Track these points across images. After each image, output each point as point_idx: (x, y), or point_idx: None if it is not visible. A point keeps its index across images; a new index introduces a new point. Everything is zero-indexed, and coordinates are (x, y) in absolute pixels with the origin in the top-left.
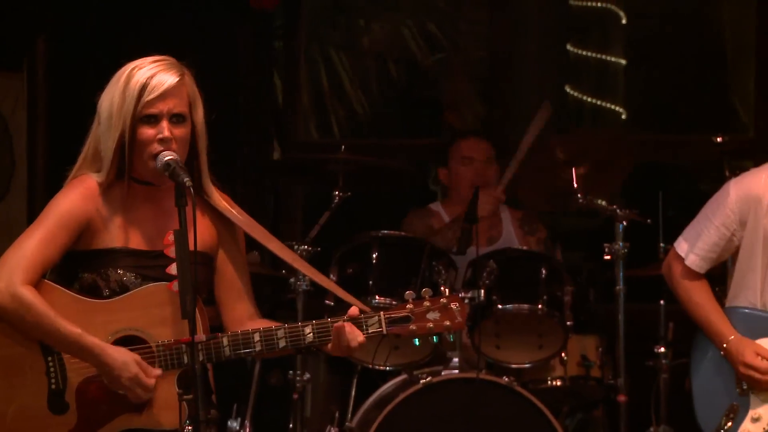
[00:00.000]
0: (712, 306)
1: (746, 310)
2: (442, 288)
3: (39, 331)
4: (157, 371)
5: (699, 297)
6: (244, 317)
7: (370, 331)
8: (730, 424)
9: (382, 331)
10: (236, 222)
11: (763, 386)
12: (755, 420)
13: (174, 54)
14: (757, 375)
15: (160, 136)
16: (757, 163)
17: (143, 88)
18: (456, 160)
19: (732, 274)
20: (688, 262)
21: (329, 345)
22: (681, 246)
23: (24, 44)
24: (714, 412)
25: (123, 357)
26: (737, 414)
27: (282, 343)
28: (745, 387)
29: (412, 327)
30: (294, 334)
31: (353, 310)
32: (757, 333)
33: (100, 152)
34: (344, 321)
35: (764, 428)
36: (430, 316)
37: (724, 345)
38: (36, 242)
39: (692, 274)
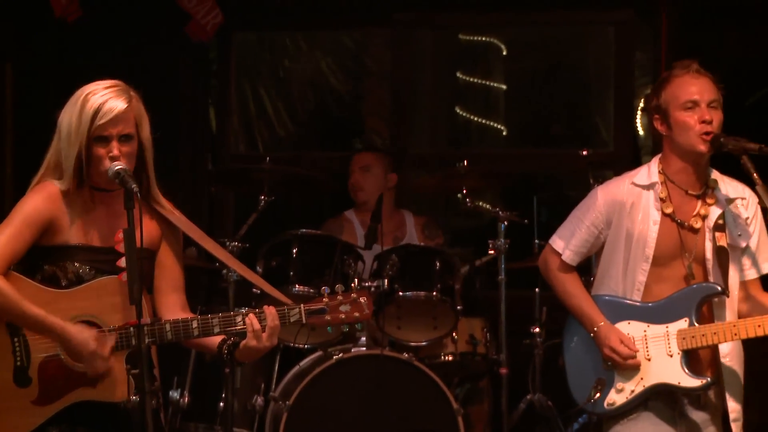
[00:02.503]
0: (584, 295)
1: (608, 297)
2: (353, 284)
3: (8, 312)
4: (111, 342)
5: (572, 287)
6: (177, 306)
7: (291, 320)
8: (598, 395)
9: (302, 320)
10: (177, 224)
11: (623, 365)
12: (619, 391)
13: (123, 79)
14: (618, 359)
15: (111, 154)
16: (617, 172)
17: (96, 112)
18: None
19: (597, 266)
20: (564, 257)
21: (241, 346)
22: (557, 243)
23: None
24: (584, 385)
25: (82, 334)
26: (604, 386)
27: (216, 329)
28: (609, 363)
29: (327, 317)
30: (226, 321)
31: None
32: (618, 317)
33: (60, 162)
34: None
35: (627, 397)
36: (342, 308)
37: (595, 329)
38: (5, 239)
39: (566, 267)
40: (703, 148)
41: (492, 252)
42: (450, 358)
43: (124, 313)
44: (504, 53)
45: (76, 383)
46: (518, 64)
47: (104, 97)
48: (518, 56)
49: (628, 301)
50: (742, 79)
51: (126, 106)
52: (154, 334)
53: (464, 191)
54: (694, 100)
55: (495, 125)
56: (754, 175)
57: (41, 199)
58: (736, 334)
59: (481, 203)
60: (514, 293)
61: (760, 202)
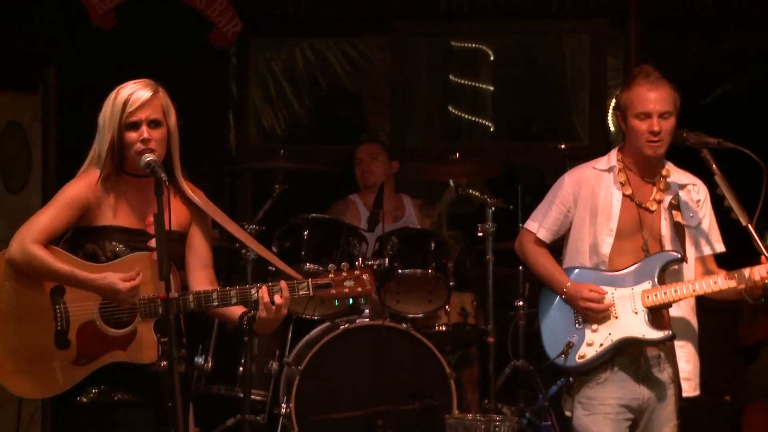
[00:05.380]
0: (553, 264)
1: (577, 269)
2: (357, 262)
3: (44, 274)
4: (137, 273)
5: (543, 259)
6: (206, 281)
7: (301, 293)
8: (570, 349)
9: (309, 293)
10: (202, 207)
11: (598, 315)
12: (589, 345)
13: (153, 79)
14: (593, 305)
15: (141, 137)
16: None
17: (126, 102)
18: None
19: (567, 244)
20: (539, 235)
21: (258, 318)
22: (531, 225)
23: (38, 71)
24: (557, 343)
25: (108, 279)
26: (575, 340)
27: (234, 300)
28: (580, 321)
29: (333, 291)
30: (243, 293)
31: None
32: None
33: (99, 153)
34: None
35: (596, 351)
36: (347, 283)
37: (564, 289)
38: (46, 216)
39: (539, 243)
40: (649, 152)
41: (481, 234)
42: (443, 328)
43: (154, 285)
44: (491, 58)
45: (109, 346)
46: (504, 67)
47: (133, 89)
48: (504, 61)
49: (596, 271)
50: (702, 80)
51: (152, 94)
52: (179, 305)
53: (456, 180)
54: (647, 111)
55: (483, 122)
56: (713, 166)
57: (82, 184)
58: (694, 290)
59: (471, 191)
60: (500, 271)
61: (719, 190)
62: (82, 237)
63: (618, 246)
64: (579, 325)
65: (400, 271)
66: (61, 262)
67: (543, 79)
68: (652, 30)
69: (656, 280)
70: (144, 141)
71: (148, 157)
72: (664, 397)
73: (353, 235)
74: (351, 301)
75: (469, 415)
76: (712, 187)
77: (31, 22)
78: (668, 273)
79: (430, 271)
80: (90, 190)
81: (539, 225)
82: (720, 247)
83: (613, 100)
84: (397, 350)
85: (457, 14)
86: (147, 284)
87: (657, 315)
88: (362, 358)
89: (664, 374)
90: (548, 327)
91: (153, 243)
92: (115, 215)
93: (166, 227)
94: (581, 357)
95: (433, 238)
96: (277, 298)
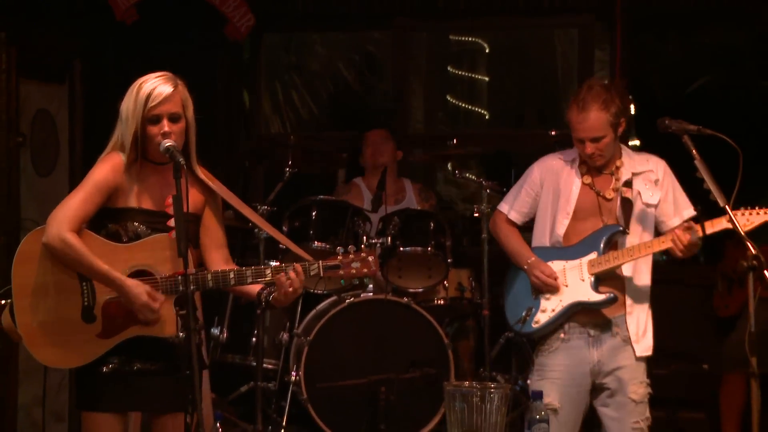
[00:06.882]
0: (521, 242)
1: (538, 248)
2: (363, 244)
3: (79, 265)
4: (161, 297)
5: (512, 237)
6: (221, 260)
7: (311, 273)
8: (527, 317)
9: (320, 274)
10: (217, 191)
11: (546, 288)
12: (543, 311)
13: (171, 70)
14: (543, 277)
15: (162, 130)
16: None
17: (148, 97)
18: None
19: (534, 225)
20: (510, 216)
21: (274, 296)
22: (503, 207)
23: (66, 64)
24: (517, 312)
25: (137, 288)
26: (532, 310)
27: (249, 280)
28: (537, 293)
29: (341, 272)
30: (258, 273)
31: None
32: (546, 259)
33: (122, 142)
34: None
35: (549, 316)
36: (354, 265)
37: (528, 262)
38: (78, 201)
39: (510, 224)
40: (590, 164)
41: (477, 215)
42: (442, 302)
43: (173, 264)
44: (487, 51)
45: (133, 321)
46: (498, 60)
47: (154, 84)
48: (498, 54)
49: (551, 247)
50: (682, 72)
51: (173, 89)
52: (198, 283)
53: (454, 164)
54: (580, 138)
55: (479, 110)
56: (693, 151)
57: (109, 168)
58: (631, 255)
59: (467, 174)
60: (495, 249)
61: (698, 174)
62: (105, 218)
63: (577, 227)
64: (536, 296)
65: (401, 249)
66: (96, 258)
67: (535, 70)
68: (635, 26)
69: (601, 250)
70: (165, 134)
71: (167, 143)
72: (621, 358)
73: (358, 216)
74: (357, 281)
75: (466, 383)
76: (690, 170)
77: (58, 19)
78: (619, 245)
79: (429, 249)
80: (116, 174)
81: (510, 207)
82: (688, 213)
83: None
84: (399, 322)
85: (455, 11)
86: (167, 262)
87: (604, 282)
88: (366, 329)
89: (617, 338)
90: (511, 297)
91: (172, 222)
92: (137, 198)
93: (184, 209)
94: (536, 323)
95: (432, 219)
96: (292, 279)
